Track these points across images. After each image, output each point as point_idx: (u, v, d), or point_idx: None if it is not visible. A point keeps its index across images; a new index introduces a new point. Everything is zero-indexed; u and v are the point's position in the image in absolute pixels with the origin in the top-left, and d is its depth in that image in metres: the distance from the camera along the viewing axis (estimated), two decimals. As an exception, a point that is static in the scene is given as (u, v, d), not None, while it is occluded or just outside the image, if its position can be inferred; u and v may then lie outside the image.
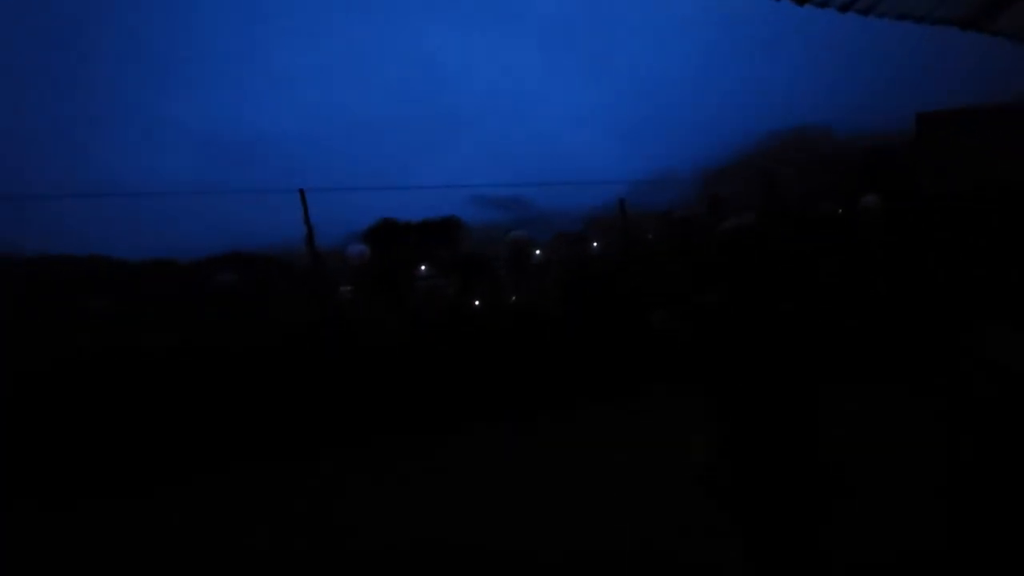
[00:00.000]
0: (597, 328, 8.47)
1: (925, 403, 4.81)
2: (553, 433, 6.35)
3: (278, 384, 6.95)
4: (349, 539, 4.13)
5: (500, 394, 7.41)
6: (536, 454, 5.65)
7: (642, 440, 5.46)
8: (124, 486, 5.82)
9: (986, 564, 2.87)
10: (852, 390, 5.23)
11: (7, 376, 6.33)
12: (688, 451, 2.71)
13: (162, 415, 6.35)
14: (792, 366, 2.43)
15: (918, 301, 6.82)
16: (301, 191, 13.35)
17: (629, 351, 7.95)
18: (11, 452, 5.77)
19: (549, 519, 3.99)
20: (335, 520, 4.56)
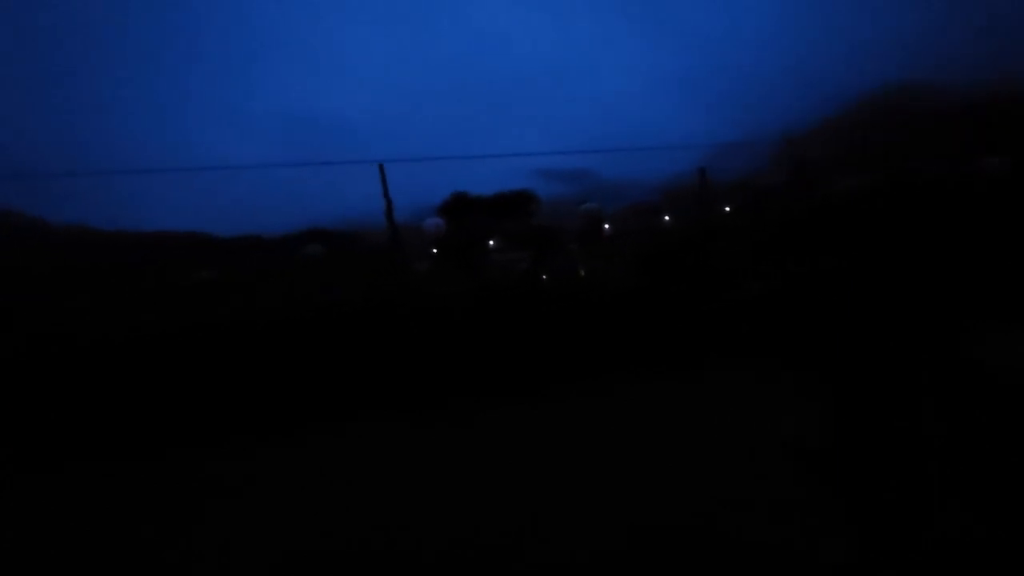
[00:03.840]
0: (675, 301, 8.29)
1: None
2: (629, 400, 6.33)
3: (366, 350, 7.37)
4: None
5: (575, 362, 7.44)
6: (609, 418, 5.65)
7: (724, 409, 5.34)
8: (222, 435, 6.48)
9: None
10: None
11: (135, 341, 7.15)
12: (781, 424, 2.65)
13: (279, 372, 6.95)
14: (910, 337, 2.32)
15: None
16: (380, 164, 13.82)
17: (710, 323, 7.75)
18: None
19: (620, 484, 4.00)
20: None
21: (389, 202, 13.85)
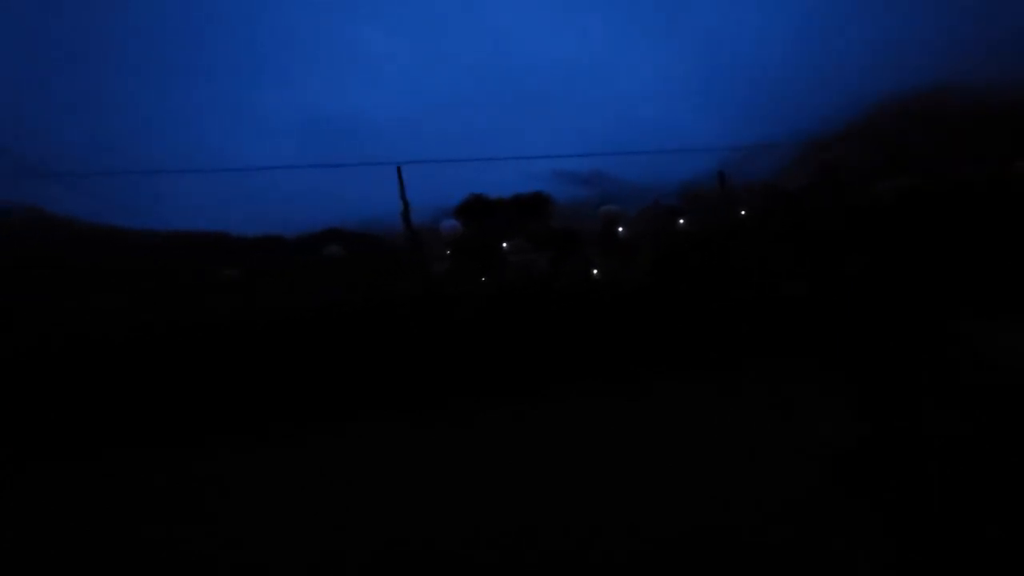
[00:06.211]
0: (694, 302, 8.17)
1: None
2: (627, 400, 6.23)
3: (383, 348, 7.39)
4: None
5: (576, 362, 7.36)
6: (607, 419, 5.55)
7: (749, 411, 5.21)
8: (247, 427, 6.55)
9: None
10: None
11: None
12: (813, 432, 2.56)
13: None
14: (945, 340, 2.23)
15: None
16: (398, 167, 13.92)
17: (731, 325, 7.62)
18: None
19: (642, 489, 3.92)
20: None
21: (406, 204, 13.93)
